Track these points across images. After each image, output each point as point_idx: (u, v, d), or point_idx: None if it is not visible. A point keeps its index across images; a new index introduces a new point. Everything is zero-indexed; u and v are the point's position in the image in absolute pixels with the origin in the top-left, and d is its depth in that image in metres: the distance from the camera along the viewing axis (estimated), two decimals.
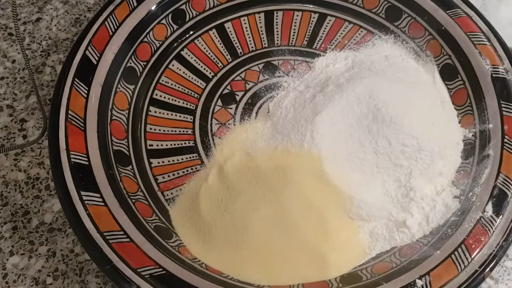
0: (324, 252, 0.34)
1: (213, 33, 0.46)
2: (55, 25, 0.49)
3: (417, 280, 0.31)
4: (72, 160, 0.33)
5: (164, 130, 0.40)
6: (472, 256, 0.31)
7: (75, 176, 0.33)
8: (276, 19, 0.47)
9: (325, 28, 0.46)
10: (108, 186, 0.33)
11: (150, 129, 0.40)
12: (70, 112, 0.35)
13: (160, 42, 0.44)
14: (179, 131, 0.40)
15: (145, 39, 0.42)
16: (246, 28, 0.46)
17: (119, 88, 0.40)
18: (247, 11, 0.47)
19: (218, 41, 0.45)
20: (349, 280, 0.33)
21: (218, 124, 0.41)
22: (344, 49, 0.45)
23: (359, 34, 0.46)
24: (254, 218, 0.34)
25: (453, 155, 0.38)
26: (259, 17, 0.47)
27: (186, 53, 0.44)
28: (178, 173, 0.38)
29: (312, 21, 0.47)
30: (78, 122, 0.35)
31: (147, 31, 0.42)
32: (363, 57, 0.44)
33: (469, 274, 0.31)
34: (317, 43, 0.46)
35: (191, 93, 0.42)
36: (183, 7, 0.45)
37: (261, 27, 0.46)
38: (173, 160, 0.39)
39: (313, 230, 0.34)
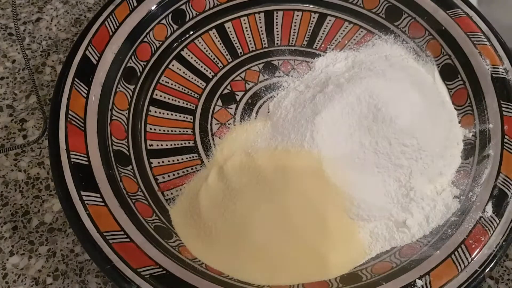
0: (324, 252, 0.34)
1: (213, 33, 0.46)
2: (55, 25, 0.49)
3: (417, 280, 0.31)
4: (72, 160, 0.33)
5: (164, 130, 0.40)
6: (472, 256, 0.31)
7: (75, 176, 0.32)
8: (276, 19, 0.47)
9: (325, 28, 0.46)
10: (108, 186, 0.33)
11: (150, 129, 0.40)
12: (70, 112, 0.35)
13: (160, 42, 0.44)
14: (179, 131, 0.40)
15: (145, 39, 0.42)
16: (246, 28, 0.46)
17: (119, 88, 0.40)
18: (247, 11, 0.47)
19: (218, 41, 0.45)
20: (349, 280, 0.33)
21: (218, 124, 0.41)
22: (344, 49, 0.45)
23: (359, 34, 0.46)
24: (254, 218, 0.34)
25: (453, 155, 0.38)
26: (259, 17, 0.47)
27: (186, 53, 0.44)
28: (178, 173, 0.38)
29: (312, 21, 0.47)
30: (78, 122, 0.35)
31: (147, 31, 0.42)
32: (363, 57, 0.44)
33: (469, 274, 0.31)
34: (317, 43, 0.46)
35: (191, 93, 0.42)
36: (183, 7, 0.45)
37: (261, 27, 0.46)
38: (173, 160, 0.39)
39: (313, 230, 0.34)
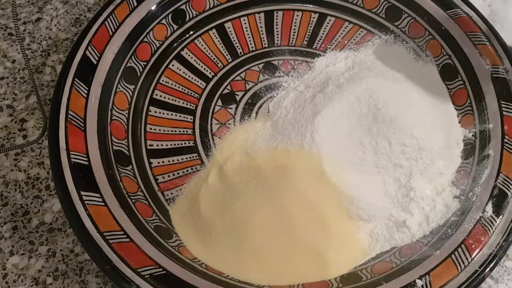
0: (324, 252, 0.34)
1: (213, 33, 0.46)
2: (55, 25, 0.49)
3: (417, 280, 0.31)
4: (72, 160, 0.33)
5: (164, 130, 0.40)
6: (472, 256, 0.31)
7: (75, 176, 0.33)
8: (276, 19, 0.47)
9: (325, 28, 0.46)
10: (108, 186, 0.33)
11: (150, 129, 0.40)
12: (70, 112, 0.35)
13: (160, 42, 0.44)
14: (179, 131, 0.40)
15: (145, 39, 0.42)
16: (246, 28, 0.46)
17: (119, 88, 0.40)
18: (247, 11, 0.47)
19: (218, 41, 0.45)
20: (349, 280, 0.33)
21: (218, 124, 0.41)
22: (344, 49, 0.45)
23: (359, 34, 0.46)
24: (254, 218, 0.34)
25: (453, 155, 0.38)
26: (259, 17, 0.47)
27: (186, 53, 0.44)
28: (178, 173, 0.38)
29: (312, 21, 0.47)
30: (78, 122, 0.35)
31: (147, 31, 0.42)
32: (363, 57, 0.44)
33: (469, 274, 0.31)
34: (317, 43, 0.46)
35: (191, 93, 0.42)
36: (183, 7, 0.45)
37: (261, 27, 0.46)
38: (173, 160, 0.39)
39: (313, 230, 0.34)
